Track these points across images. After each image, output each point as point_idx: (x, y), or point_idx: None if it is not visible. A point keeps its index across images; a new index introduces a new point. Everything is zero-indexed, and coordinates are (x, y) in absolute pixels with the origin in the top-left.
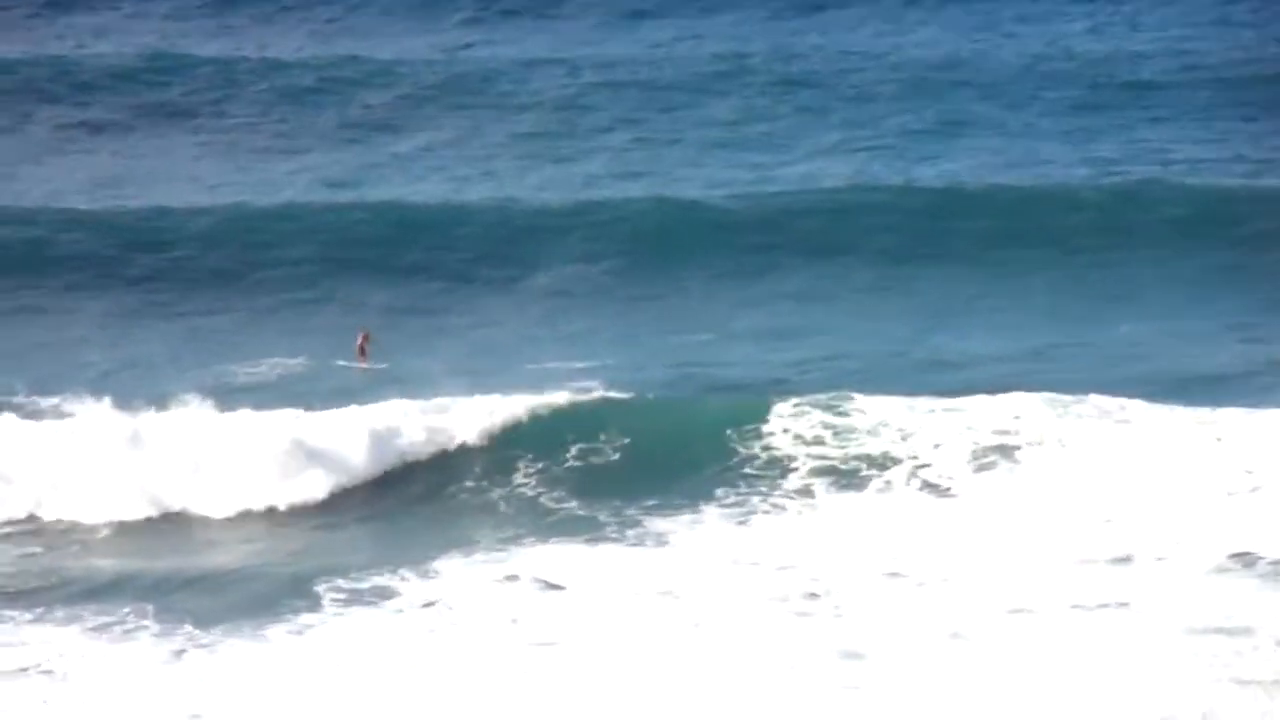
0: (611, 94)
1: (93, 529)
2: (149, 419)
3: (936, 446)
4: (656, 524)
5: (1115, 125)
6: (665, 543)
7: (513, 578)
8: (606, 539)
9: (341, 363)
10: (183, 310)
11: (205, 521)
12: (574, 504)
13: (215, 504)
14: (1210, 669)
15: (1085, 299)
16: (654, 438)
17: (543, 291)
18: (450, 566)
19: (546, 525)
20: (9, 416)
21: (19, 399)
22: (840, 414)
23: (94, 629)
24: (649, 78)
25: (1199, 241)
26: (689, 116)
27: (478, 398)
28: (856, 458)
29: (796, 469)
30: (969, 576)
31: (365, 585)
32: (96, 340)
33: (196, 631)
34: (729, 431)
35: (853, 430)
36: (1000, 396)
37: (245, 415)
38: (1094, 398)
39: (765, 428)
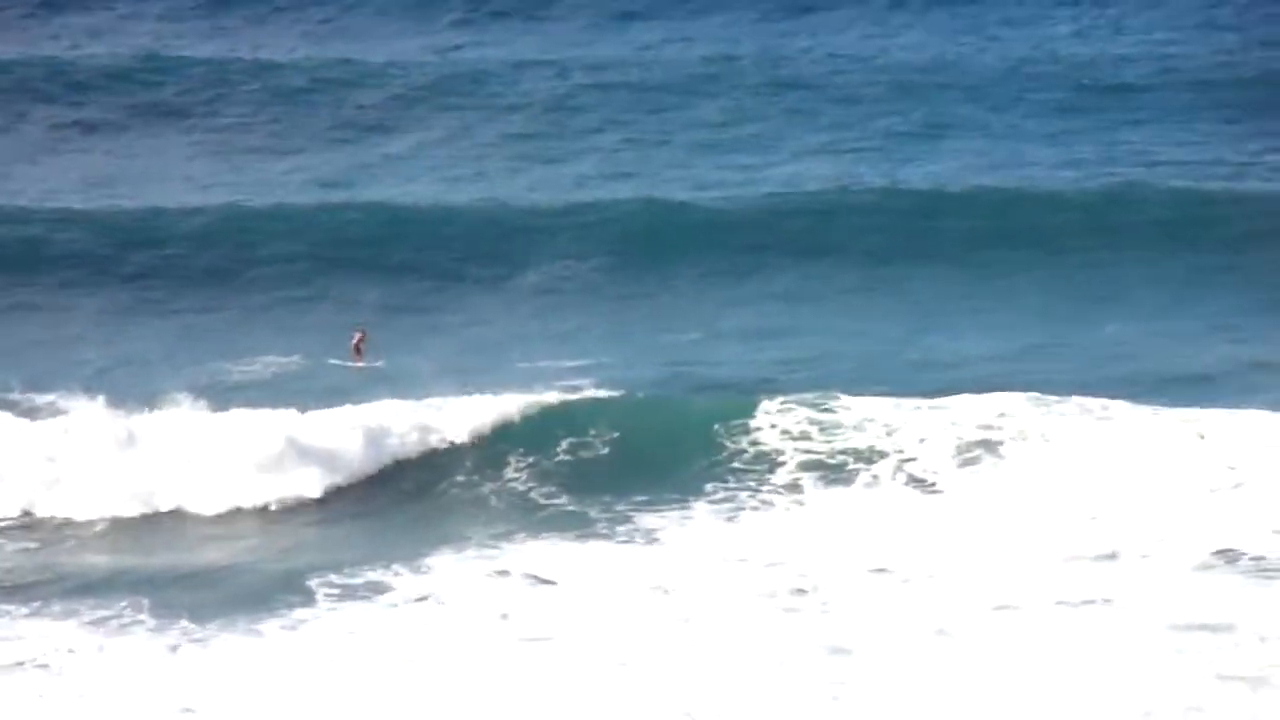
0: (601, 95)
1: (88, 525)
2: (143, 417)
3: (922, 441)
4: (646, 520)
5: (1099, 127)
6: (655, 539)
7: (504, 573)
8: (597, 535)
9: (335, 361)
10: (177, 308)
11: (200, 518)
12: (564, 500)
13: (210, 501)
14: (1194, 665)
15: (1071, 299)
16: (643, 434)
17: (533, 290)
18: (442, 562)
19: (537, 521)
20: (4, 414)
21: (14, 396)
22: (826, 410)
23: (90, 624)
24: (638, 79)
25: (1183, 243)
26: (678, 118)
27: (469, 396)
28: (843, 452)
29: (784, 464)
30: (954, 573)
31: (358, 580)
32: (91, 338)
33: (191, 626)
34: (717, 428)
35: (839, 426)
36: (986, 396)
37: (239, 413)
38: (1078, 397)
39: (753, 423)
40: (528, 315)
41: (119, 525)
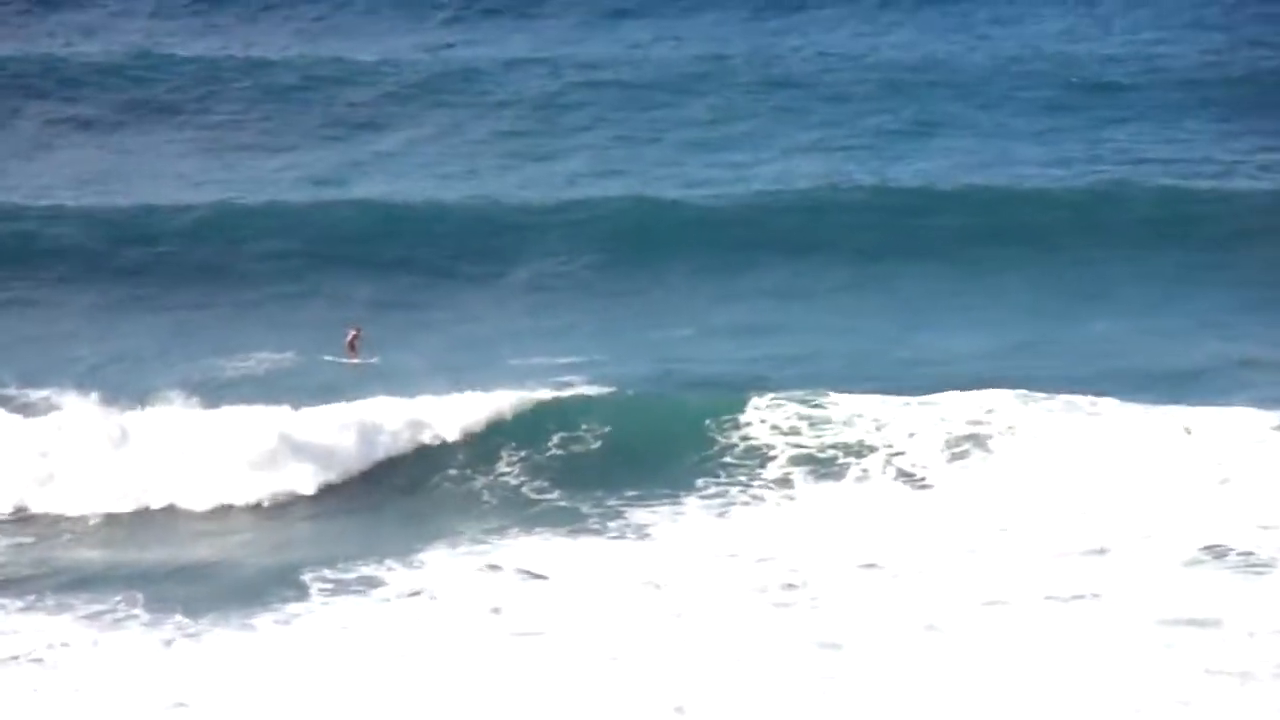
0: (592, 93)
1: (82, 521)
2: (137, 413)
3: (911, 435)
4: (638, 515)
5: (1088, 126)
6: (646, 534)
7: (496, 568)
8: (588, 530)
9: (329, 358)
10: (170, 305)
11: (193, 514)
12: (556, 496)
13: (203, 497)
14: (1183, 660)
15: (1059, 297)
16: (634, 430)
17: (524, 287)
18: (435, 557)
19: (529, 517)
20: None
21: (8, 392)
22: (817, 406)
23: (84, 618)
24: (629, 77)
25: (1171, 241)
26: (669, 116)
27: (461, 393)
28: (834, 446)
29: (775, 459)
30: (944, 568)
31: (351, 575)
32: (85, 334)
33: (185, 621)
34: (708, 423)
35: (829, 421)
36: (975, 393)
37: (232, 410)
38: (1067, 394)
39: (743, 418)
40: (519, 312)
41: (113, 521)
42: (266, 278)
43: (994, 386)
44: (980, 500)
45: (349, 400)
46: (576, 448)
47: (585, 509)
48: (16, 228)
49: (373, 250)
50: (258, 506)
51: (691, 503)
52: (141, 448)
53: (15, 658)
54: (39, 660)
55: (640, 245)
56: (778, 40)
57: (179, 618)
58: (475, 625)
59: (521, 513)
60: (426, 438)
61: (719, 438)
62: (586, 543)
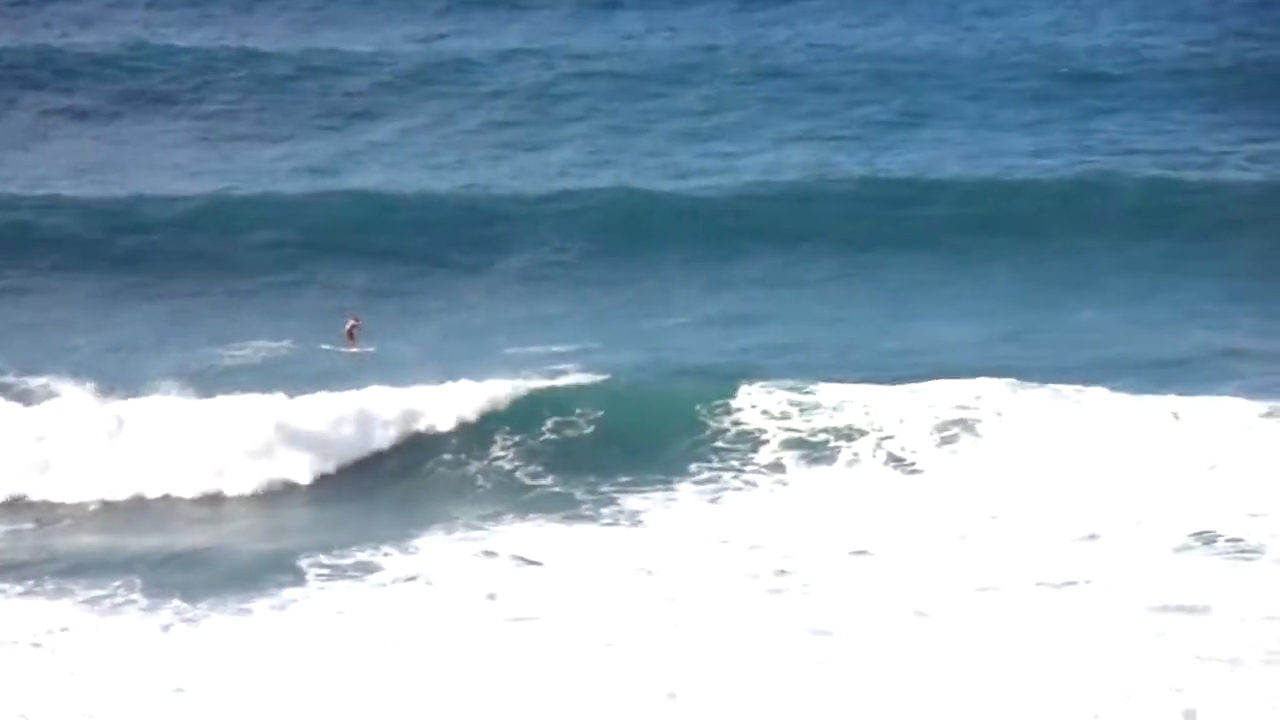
0: (583, 84)
1: (80, 508)
2: (133, 401)
3: (901, 421)
4: (631, 502)
5: (1075, 116)
6: (640, 521)
7: (491, 554)
8: (582, 517)
9: (327, 347)
10: (166, 294)
11: (191, 501)
12: (550, 482)
13: (200, 485)
14: (1173, 646)
15: (1046, 286)
16: (627, 418)
17: (517, 276)
18: (431, 543)
19: (524, 503)
20: None
21: (6, 379)
22: (807, 393)
23: (83, 603)
24: (620, 68)
25: (1158, 231)
26: (659, 106)
27: (455, 382)
28: (824, 431)
29: (766, 443)
30: (934, 554)
31: (347, 561)
32: (81, 323)
33: (183, 606)
34: (699, 410)
35: (818, 407)
36: (963, 381)
37: (228, 398)
38: (1054, 383)
39: (734, 404)
40: (512, 301)
41: (110, 508)
42: (262, 267)
43: (981, 375)
44: (971, 487)
45: (344, 389)
46: (570, 435)
47: (579, 495)
48: (13, 217)
49: (366, 239)
50: (255, 493)
51: (684, 489)
52: (138, 435)
53: (15, 642)
54: (38, 645)
55: (632, 235)
56: (767, 31)
57: (177, 603)
58: (470, 610)
59: (516, 499)
60: (421, 425)
61: (710, 424)
62: (580, 529)
